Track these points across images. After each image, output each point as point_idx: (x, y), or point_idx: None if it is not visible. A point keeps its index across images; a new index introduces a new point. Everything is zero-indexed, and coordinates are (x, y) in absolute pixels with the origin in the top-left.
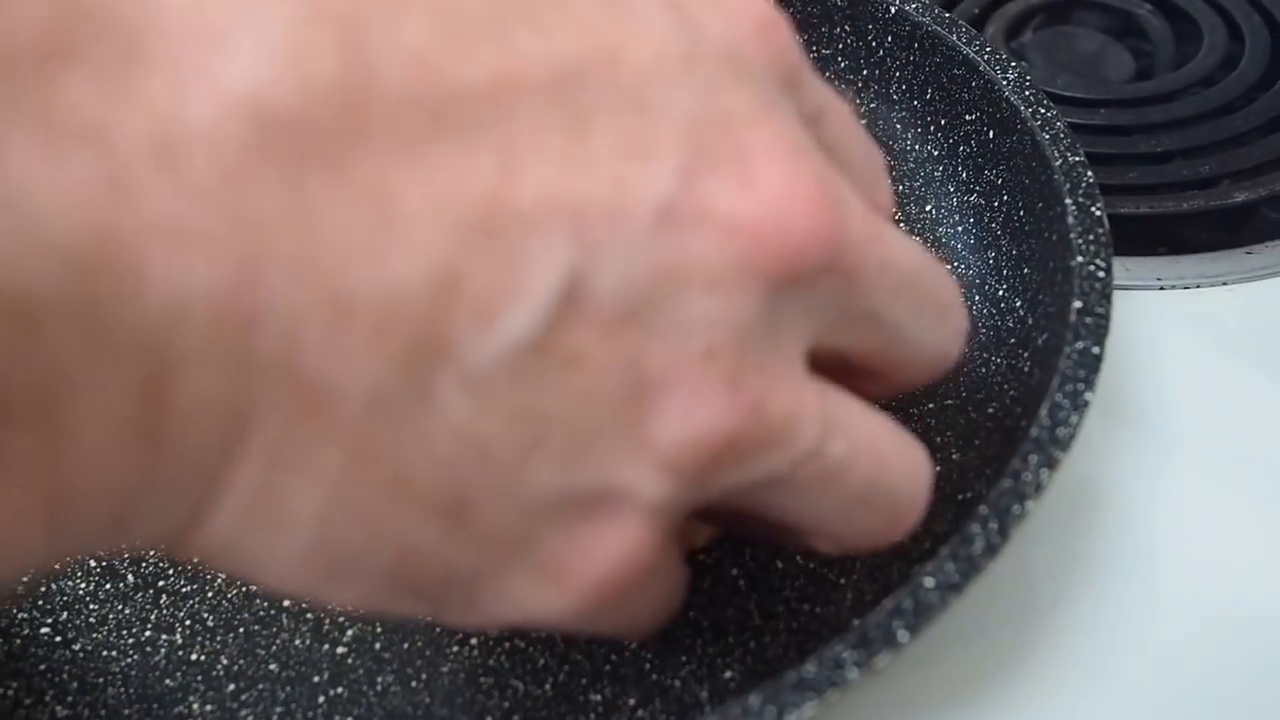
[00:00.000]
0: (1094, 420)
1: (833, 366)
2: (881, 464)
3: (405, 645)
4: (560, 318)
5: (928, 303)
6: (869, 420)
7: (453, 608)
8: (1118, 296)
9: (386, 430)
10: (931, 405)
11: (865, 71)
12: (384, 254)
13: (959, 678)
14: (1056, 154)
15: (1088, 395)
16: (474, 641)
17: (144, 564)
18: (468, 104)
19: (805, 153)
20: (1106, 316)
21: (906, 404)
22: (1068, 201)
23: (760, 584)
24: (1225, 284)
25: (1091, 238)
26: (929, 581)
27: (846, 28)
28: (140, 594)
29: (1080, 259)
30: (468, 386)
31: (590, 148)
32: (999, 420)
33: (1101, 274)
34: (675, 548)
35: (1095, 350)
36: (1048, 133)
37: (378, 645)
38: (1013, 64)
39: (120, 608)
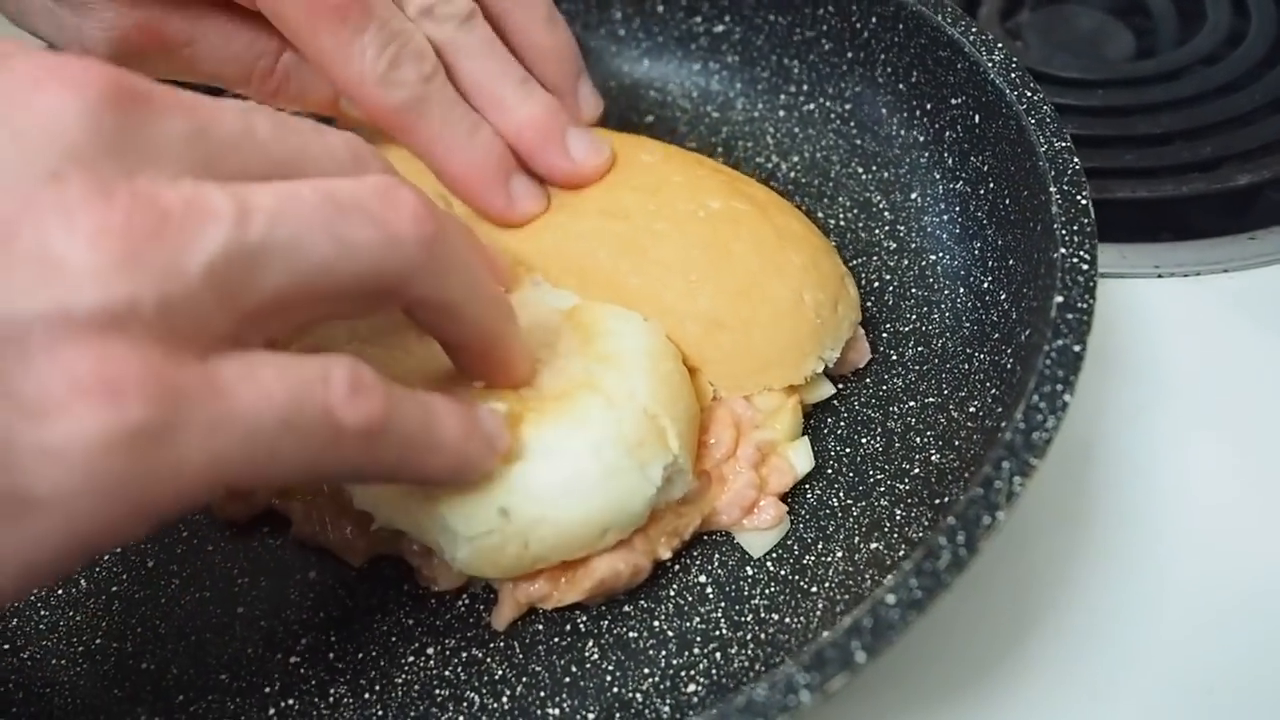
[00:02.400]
0: (1090, 414)
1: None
2: (311, 228)
3: (359, 655)
4: None
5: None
6: (287, 192)
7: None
8: (1114, 285)
9: None
10: (912, 404)
11: (850, 54)
12: None
13: (957, 662)
14: (1041, 139)
15: (1067, 397)
16: (430, 652)
17: (98, 569)
18: None
19: None
20: (1089, 312)
21: (886, 402)
22: (1052, 189)
23: (729, 592)
24: (1226, 270)
25: (1076, 227)
26: (890, 598)
27: (830, 8)
28: (93, 600)
29: (1063, 250)
30: None
31: None
32: (980, 420)
33: (1085, 266)
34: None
35: (1076, 348)
36: (1033, 117)
37: (331, 655)
38: (999, 45)
39: (71, 614)
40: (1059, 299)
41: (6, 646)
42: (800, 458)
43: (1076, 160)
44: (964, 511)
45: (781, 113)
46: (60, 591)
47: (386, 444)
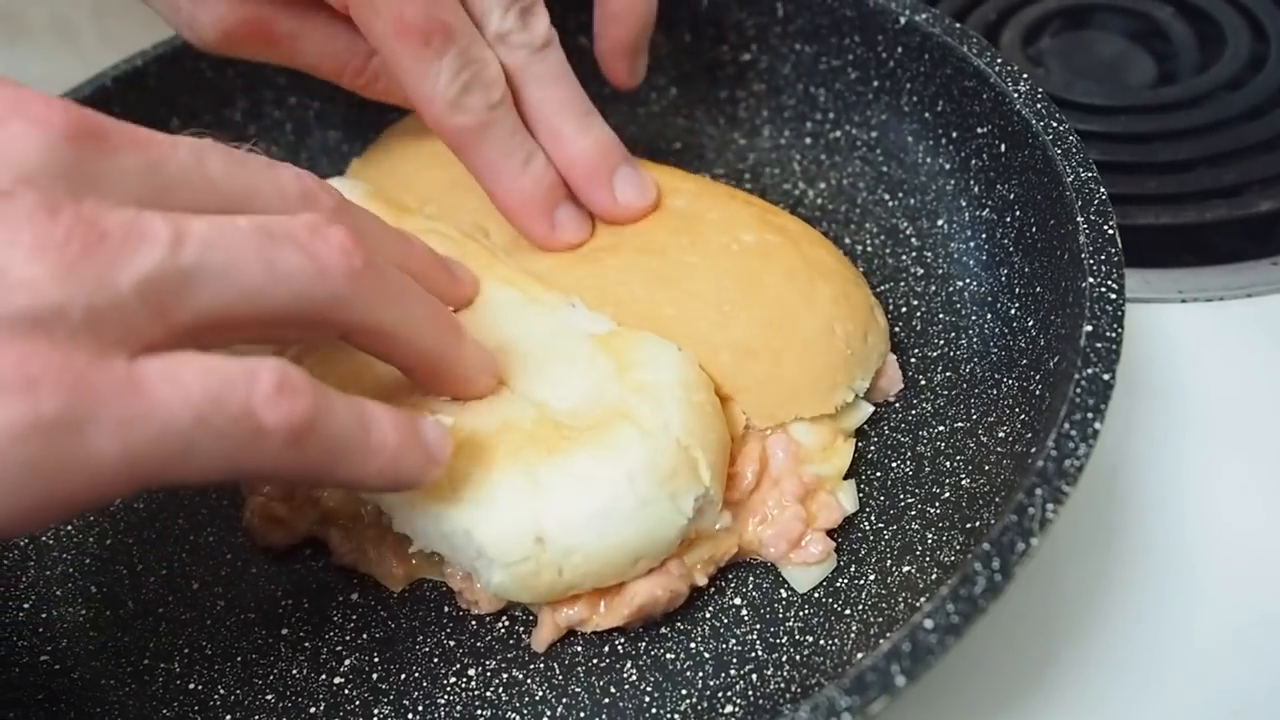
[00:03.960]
0: (1116, 440)
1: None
2: (243, 256)
3: (402, 676)
4: None
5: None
6: (224, 223)
7: None
8: (1138, 310)
9: None
10: (941, 428)
11: (876, 83)
12: None
13: (985, 686)
14: (1068, 169)
15: (1097, 425)
16: (472, 673)
17: (144, 590)
18: None
19: None
20: (1118, 341)
21: (915, 426)
22: (1079, 219)
23: (763, 615)
24: (1250, 295)
25: (1103, 257)
26: (928, 623)
27: (856, 38)
28: (140, 621)
29: (1091, 280)
30: None
31: None
32: (1009, 445)
33: (1114, 295)
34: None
35: (1106, 377)
36: (1059, 147)
37: (374, 676)
38: (1024, 76)
39: (120, 635)
40: (1088, 328)
41: (58, 667)
42: (846, 498)
43: (1103, 190)
44: (999, 538)
45: (808, 140)
46: (109, 613)
47: (314, 445)
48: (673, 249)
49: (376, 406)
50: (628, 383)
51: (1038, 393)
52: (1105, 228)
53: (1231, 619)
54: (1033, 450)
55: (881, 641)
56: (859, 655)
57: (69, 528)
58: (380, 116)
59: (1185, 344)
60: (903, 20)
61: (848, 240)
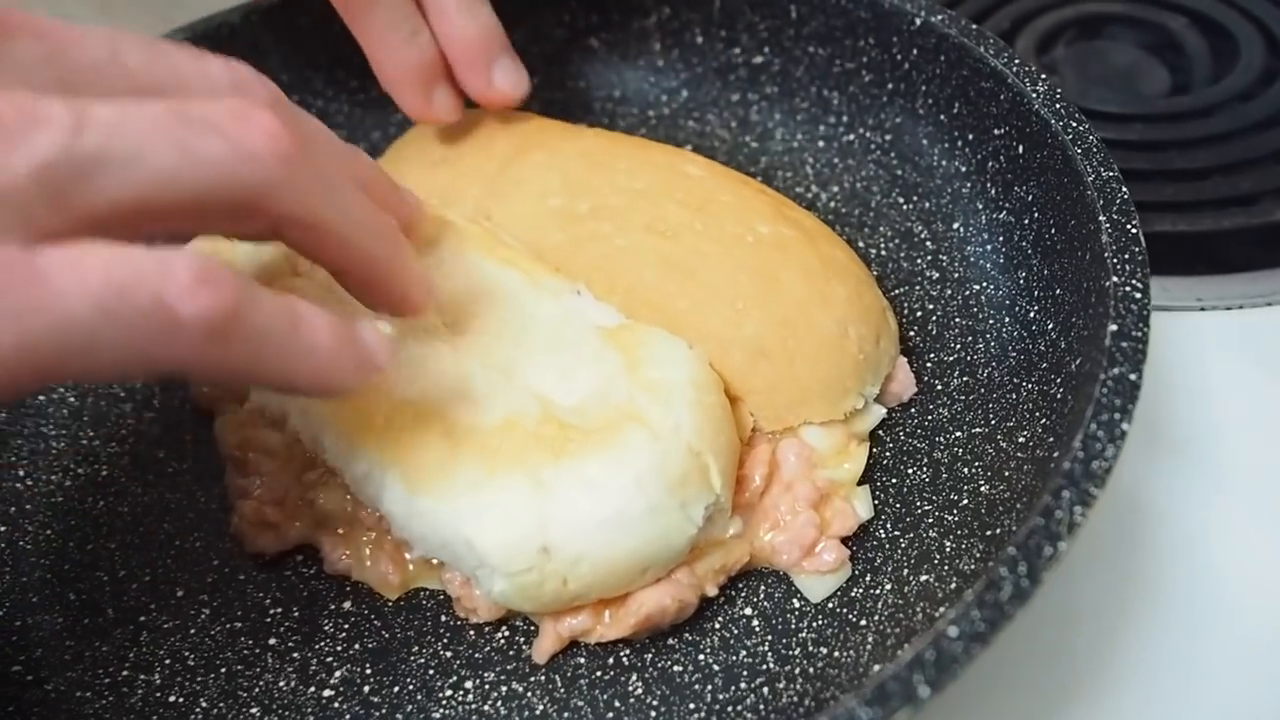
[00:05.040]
0: (1135, 449)
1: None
2: (154, 141)
3: (396, 689)
4: None
5: None
6: (133, 108)
7: None
8: (1156, 318)
9: None
10: (959, 434)
11: (890, 85)
12: None
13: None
14: (1089, 169)
15: (1124, 425)
16: (469, 685)
17: (125, 597)
18: None
19: None
20: (1144, 340)
21: (932, 432)
22: (1101, 218)
23: (775, 625)
24: (1270, 304)
25: (1127, 256)
26: (952, 630)
27: (871, 40)
28: (120, 630)
29: (1115, 279)
30: None
31: None
32: (1030, 450)
33: (1138, 294)
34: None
35: (1132, 377)
36: (1079, 147)
37: (366, 688)
38: (1043, 77)
39: (98, 644)
40: (1113, 327)
41: (30, 678)
42: (861, 504)
43: (1125, 189)
44: (1025, 541)
45: (821, 143)
46: (87, 621)
47: (237, 341)
48: (686, 233)
49: (308, 306)
50: (637, 381)
51: (1059, 396)
52: (1128, 227)
53: (1252, 624)
54: (1055, 454)
55: (899, 653)
56: (876, 667)
57: (49, 532)
58: (383, 116)
59: (1204, 351)
60: (918, 21)
61: (861, 244)
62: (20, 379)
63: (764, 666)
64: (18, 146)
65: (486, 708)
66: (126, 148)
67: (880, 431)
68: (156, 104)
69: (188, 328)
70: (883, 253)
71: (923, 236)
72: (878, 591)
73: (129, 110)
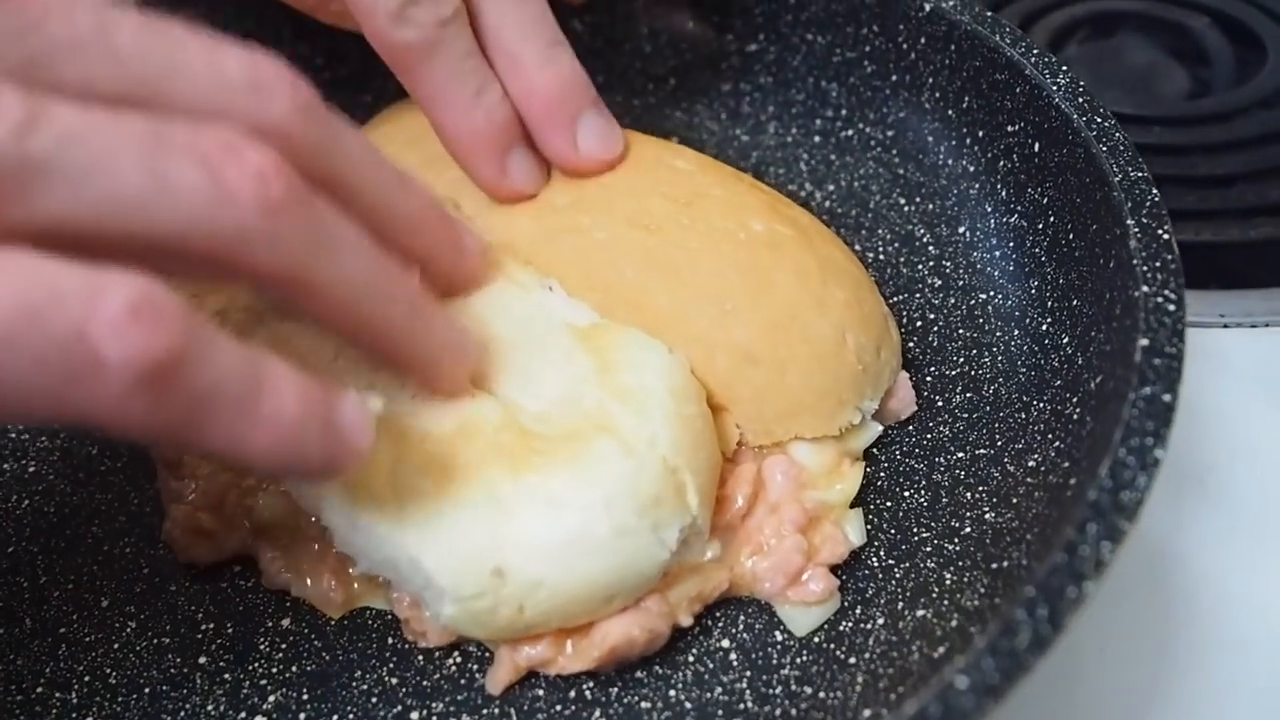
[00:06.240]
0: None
1: None
2: (118, 160)
3: (335, 717)
4: None
5: None
6: (103, 116)
7: None
8: None
9: None
10: (960, 455)
11: (894, 77)
12: None
13: None
14: (1116, 169)
15: (1158, 452)
16: (415, 716)
17: (45, 606)
18: None
19: None
20: (1179, 357)
21: (931, 452)
22: (1129, 223)
23: (755, 660)
24: None
25: (1159, 264)
26: (961, 681)
27: (875, 28)
28: (37, 642)
29: (1146, 289)
30: None
31: None
32: (1042, 476)
33: (1172, 306)
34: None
35: (1166, 397)
36: (1105, 144)
37: (302, 715)
38: (1064, 68)
39: (12, 658)
40: (1144, 342)
41: None
42: (853, 529)
43: (1155, 192)
44: (1046, 580)
45: (817, 138)
46: (1, 632)
47: (175, 396)
48: (671, 227)
49: (278, 365)
50: (610, 387)
51: (1075, 417)
52: (1160, 232)
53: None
54: (1072, 481)
55: (893, 698)
56: (866, 712)
57: None
58: (367, 100)
59: (1228, 370)
60: (927, 7)
61: (858, 247)
62: None
63: (741, 706)
64: None
65: None
66: (81, 160)
67: (875, 450)
68: (134, 116)
69: (111, 372)
70: (881, 257)
71: (925, 240)
72: (869, 626)
73: (96, 116)
